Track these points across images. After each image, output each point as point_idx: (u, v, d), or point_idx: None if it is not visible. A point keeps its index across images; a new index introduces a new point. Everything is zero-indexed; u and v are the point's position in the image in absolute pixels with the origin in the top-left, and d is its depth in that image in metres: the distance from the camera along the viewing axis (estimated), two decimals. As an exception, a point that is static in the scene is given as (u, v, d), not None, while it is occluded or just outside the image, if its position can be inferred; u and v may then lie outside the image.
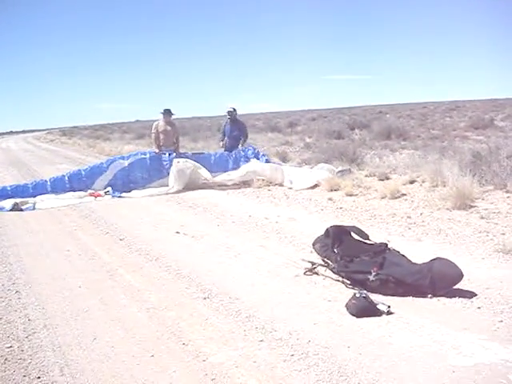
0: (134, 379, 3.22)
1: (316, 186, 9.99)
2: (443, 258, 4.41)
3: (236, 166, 11.49)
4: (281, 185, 10.56)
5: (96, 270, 5.62)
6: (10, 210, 9.52)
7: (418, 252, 5.29)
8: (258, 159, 11.45)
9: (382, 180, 9.75)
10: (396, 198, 8.27)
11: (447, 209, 7.19)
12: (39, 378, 3.30)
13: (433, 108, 51.76)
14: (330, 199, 8.78)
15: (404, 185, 9.06)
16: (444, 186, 8.19)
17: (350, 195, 8.88)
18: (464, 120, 29.33)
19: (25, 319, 4.30)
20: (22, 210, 9.58)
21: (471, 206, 7.12)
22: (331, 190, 9.40)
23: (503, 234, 5.91)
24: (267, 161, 11.55)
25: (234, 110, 12.04)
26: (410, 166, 10.63)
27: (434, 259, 4.41)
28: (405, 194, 8.41)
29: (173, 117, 12.16)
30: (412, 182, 9.22)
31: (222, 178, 11.09)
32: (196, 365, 3.36)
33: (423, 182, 9.10)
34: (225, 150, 12.18)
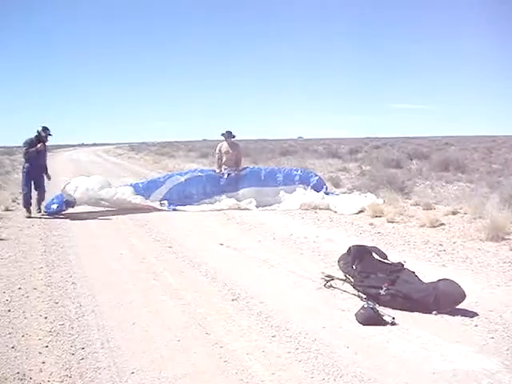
0: (160, 355, 3.85)
1: (361, 211, 10.37)
2: (448, 279, 4.77)
3: (288, 182, 12.15)
4: (327, 208, 10.98)
5: (143, 270, 6.32)
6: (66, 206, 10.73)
7: (438, 276, 5.59)
8: (321, 189, 12.05)
9: (426, 210, 10.00)
10: (434, 226, 8.53)
11: (480, 240, 7.43)
12: (83, 348, 3.99)
13: (501, 142, 50.34)
14: (370, 224, 9.15)
15: (446, 215, 9.30)
16: (483, 218, 8.40)
17: (392, 222, 9.20)
18: (530, 155, 28.56)
19: (77, 305, 5.04)
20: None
21: (504, 239, 7.33)
22: (375, 216, 9.75)
23: (526, 265, 6.12)
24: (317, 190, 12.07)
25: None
26: (458, 197, 10.83)
27: (441, 279, 4.78)
28: (443, 224, 8.66)
29: (236, 138, 12.81)
30: (454, 213, 9.43)
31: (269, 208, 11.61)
32: (214, 350, 3.94)
33: (465, 213, 9.30)
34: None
